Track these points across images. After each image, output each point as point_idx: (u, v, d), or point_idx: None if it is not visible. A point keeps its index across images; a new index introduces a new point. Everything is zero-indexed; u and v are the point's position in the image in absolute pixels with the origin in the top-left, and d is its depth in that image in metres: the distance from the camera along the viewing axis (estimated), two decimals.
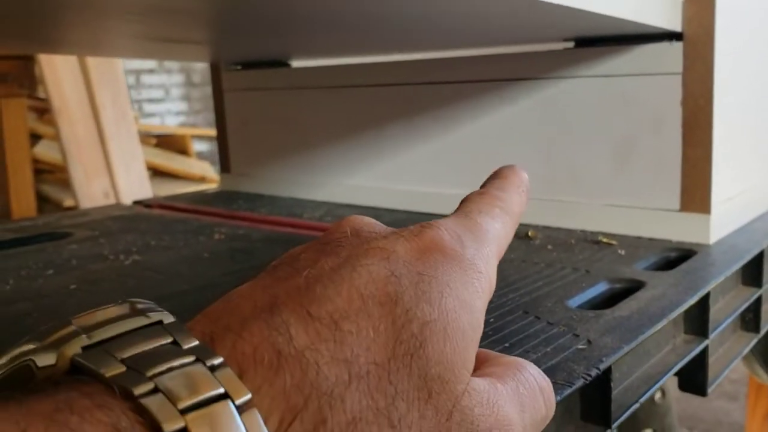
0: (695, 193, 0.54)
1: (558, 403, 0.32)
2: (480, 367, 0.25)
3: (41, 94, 2.32)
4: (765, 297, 0.57)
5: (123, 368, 0.17)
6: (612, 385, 0.34)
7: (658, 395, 0.74)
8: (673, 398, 0.79)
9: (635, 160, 0.57)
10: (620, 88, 0.57)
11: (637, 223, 0.57)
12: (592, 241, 0.56)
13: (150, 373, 0.17)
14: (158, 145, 2.90)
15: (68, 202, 2.15)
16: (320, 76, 0.80)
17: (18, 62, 2.07)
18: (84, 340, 0.18)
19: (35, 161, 2.30)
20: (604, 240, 0.55)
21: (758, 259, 0.53)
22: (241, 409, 0.17)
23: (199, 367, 0.18)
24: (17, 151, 2.12)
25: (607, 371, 0.33)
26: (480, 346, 0.34)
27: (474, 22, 0.50)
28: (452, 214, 0.27)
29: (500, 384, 0.23)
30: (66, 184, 2.15)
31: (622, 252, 0.52)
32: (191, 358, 0.18)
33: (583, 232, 0.59)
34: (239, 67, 0.88)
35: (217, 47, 0.73)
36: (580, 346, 0.35)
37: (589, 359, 0.33)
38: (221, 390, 0.17)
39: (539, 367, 0.32)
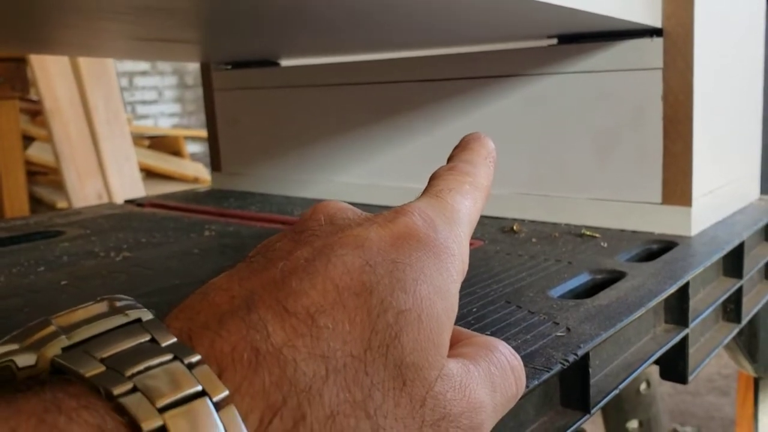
0: (676, 186, 0.55)
1: (537, 389, 0.33)
2: (454, 345, 0.25)
3: (33, 96, 2.32)
4: (746, 287, 0.58)
5: (102, 368, 0.18)
6: (590, 371, 0.34)
7: (643, 386, 0.75)
8: (659, 390, 0.80)
9: (618, 155, 0.58)
10: (602, 84, 0.58)
11: (620, 216, 0.58)
12: (576, 234, 0.57)
13: (129, 373, 0.17)
14: (151, 147, 2.90)
15: (61, 204, 2.15)
16: (309, 74, 0.81)
17: (10, 64, 2.07)
18: (63, 341, 0.18)
19: (28, 163, 2.30)
20: (588, 233, 0.56)
21: (739, 250, 0.54)
22: (219, 406, 0.18)
23: (177, 365, 0.18)
24: (10, 153, 2.12)
25: (585, 357, 0.34)
26: None
27: (460, 20, 0.51)
28: (423, 193, 0.28)
29: (473, 365, 0.24)
30: (59, 185, 2.15)
31: (605, 244, 0.53)
32: (169, 356, 0.18)
33: (568, 225, 0.60)
34: (229, 67, 0.89)
35: (208, 47, 0.74)
36: (559, 334, 0.35)
37: (567, 346, 0.34)
38: (199, 388, 0.18)
39: (519, 353, 0.33)
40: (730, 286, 0.53)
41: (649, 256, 0.52)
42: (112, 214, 0.79)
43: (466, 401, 0.22)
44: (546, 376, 0.31)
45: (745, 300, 0.56)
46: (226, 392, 0.18)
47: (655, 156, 0.56)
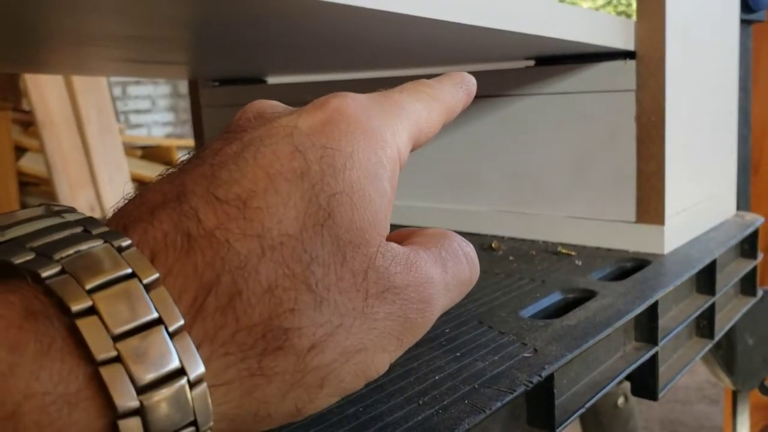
0: (650, 205, 0.56)
1: (504, 408, 0.34)
2: (407, 238, 0.26)
3: (26, 107, 2.33)
4: (720, 303, 0.59)
5: (32, 255, 0.18)
6: (555, 391, 0.35)
7: (621, 400, 0.76)
8: (635, 403, 0.81)
9: (593, 173, 0.59)
10: (579, 105, 0.59)
11: (595, 234, 0.59)
12: (553, 251, 0.58)
13: (58, 257, 0.17)
14: (144, 157, 2.90)
15: None
16: (295, 92, 0.82)
17: (2, 76, 2.08)
18: None
19: (20, 174, 2.31)
20: (564, 251, 0.57)
21: (711, 267, 0.55)
22: (149, 287, 0.18)
23: (106, 248, 0.18)
24: (2, 164, 2.13)
25: (550, 378, 0.35)
26: (434, 354, 0.37)
27: (441, 45, 0.52)
28: None
29: (422, 249, 0.24)
30: (51, 196, 2.16)
31: (580, 262, 0.54)
32: (100, 242, 0.18)
33: (545, 242, 0.62)
34: (217, 84, 0.90)
35: (195, 67, 0.75)
36: (526, 355, 0.36)
37: (533, 367, 0.35)
38: (128, 270, 0.18)
39: (485, 375, 0.34)
40: (703, 303, 0.54)
41: (623, 274, 0.53)
42: None
43: (412, 275, 0.23)
44: (509, 397, 0.32)
45: (718, 316, 0.57)
46: (157, 274, 0.18)
47: (629, 175, 0.57)
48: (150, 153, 2.97)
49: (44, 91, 2.05)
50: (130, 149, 2.80)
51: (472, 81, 0.30)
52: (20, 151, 2.41)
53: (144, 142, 3.29)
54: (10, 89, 2.16)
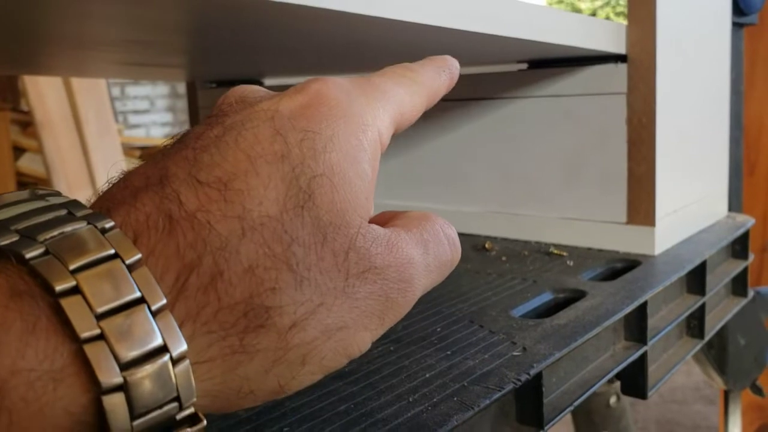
0: (640, 206, 0.57)
1: (493, 405, 0.35)
2: (390, 220, 0.26)
3: (24, 107, 2.33)
4: (710, 304, 0.60)
5: (17, 237, 0.18)
6: (544, 389, 0.36)
7: (613, 399, 0.77)
8: (629, 402, 0.82)
9: (585, 175, 0.60)
10: (571, 107, 0.60)
11: (586, 235, 0.60)
12: (545, 252, 0.59)
13: (42, 238, 0.18)
14: (142, 158, 2.91)
15: None
16: None
17: (1, 76, 2.08)
18: None
19: (19, 174, 2.31)
20: (555, 251, 0.58)
21: (701, 268, 0.56)
22: (131, 267, 0.18)
23: (90, 229, 0.19)
24: (1, 164, 2.14)
25: (539, 376, 0.36)
26: (425, 353, 0.37)
27: (436, 48, 0.52)
28: None
29: (403, 231, 0.25)
30: None
31: (571, 263, 0.55)
32: (83, 224, 0.19)
33: (538, 243, 0.62)
34: (214, 85, 0.91)
35: (193, 69, 0.76)
36: (516, 353, 0.37)
37: (522, 365, 0.36)
38: (111, 251, 0.18)
39: (474, 373, 0.35)
40: (693, 303, 0.55)
41: (613, 274, 0.54)
42: None
43: (393, 256, 0.23)
44: (498, 395, 0.33)
45: (709, 316, 0.58)
46: (139, 255, 0.18)
47: (620, 177, 0.58)
48: (148, 153, 2.97)
49: (43, 91, 2.06)
50: (129, 150, 2.81)
51: (455, 65, 0.30)
52: (19, 151, 2.42)
53: (142, 142, 3.30)
54: (9, 89, 2.16)
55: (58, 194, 0.21)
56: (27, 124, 2.44)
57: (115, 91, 3.76)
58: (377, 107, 0.25)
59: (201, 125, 0.23)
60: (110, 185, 0.22)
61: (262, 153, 0.21)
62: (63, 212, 0.19)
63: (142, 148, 3.02)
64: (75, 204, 0.20)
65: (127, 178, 0.22)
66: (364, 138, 0.24)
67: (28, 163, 2.40)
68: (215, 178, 0.21)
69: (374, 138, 0.25)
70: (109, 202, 0.21)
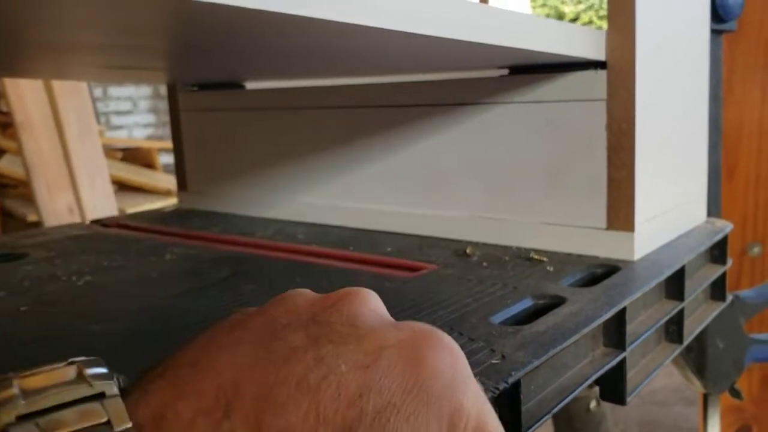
0: (620, 212, 0.57)
1: None
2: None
3: (4, 109, 2.31)
4: (689, 309, 0.60)
5: None
6: (522, 397, 0.36)
7: (593, 404, 0.77)
8: (609, 406, 0.83)
9: (565, 181, 0.60)
10: (551, 113, 0.60)
11: (567, 240, 0.60)
12: (525, 257, 0.59)
13: None
14: (124, 159, 2.89)
15: (32, 217, 2.14)
16: (273, 98, 0.82)
17: None
18: (20, 407, 0.18)
19: None
20: (536, 257, 0.58)
21: (680, 273, 0.57)
22: None
23: None
24: None
25: (517, 384, 0.36)
26: None
27: (418, 54, 0.52)
28: None
29: None
30: (30, 199, 2.14)
31: (551, 269, 0.55)
32: None
33: (519, 248, 0.62)
34: (195, 88, 0.90)
35: (174, 72, 0.75)
36: (494, 361, 0.37)
37: (500, 373, 0.36)
38: None
39: None
40: (671, 308, 0.55)
41: (593, 280, 0.54)
42: (78, 235, 0.79)
43: None
44: None
45: (687, 321, 0.58)
46: None
47: (600, 182, 0.58)
48: (130, 155, 2.95)
49: (23, 92, 2.04)
50: (111, 151, 2.79)
51: None
52: None
53: (124, 143, 3.27)
54: None
55: (103, 372, 0.20)
56: (7, 125, 2.42)
57: (98, 92, 3.73)
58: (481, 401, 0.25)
59: (301, 331, 0.23)
60: (186, 351, 0.22)
61: (332, 418, 0.20)
62: (102, 420, 0.18)
63: (124, 150, 3.00)
64: (117, 407, 0.19)
65: (200, 363, 0.21)
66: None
67: (7, 165, 2.37)
68: (276, 428, 0.20)
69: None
70: (164, 407, 0.20)
